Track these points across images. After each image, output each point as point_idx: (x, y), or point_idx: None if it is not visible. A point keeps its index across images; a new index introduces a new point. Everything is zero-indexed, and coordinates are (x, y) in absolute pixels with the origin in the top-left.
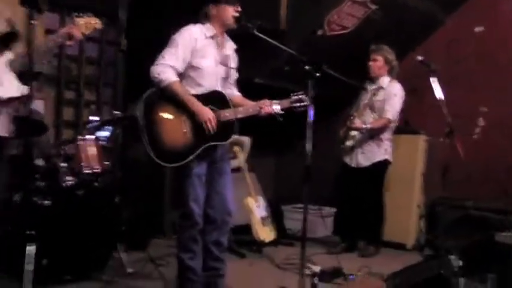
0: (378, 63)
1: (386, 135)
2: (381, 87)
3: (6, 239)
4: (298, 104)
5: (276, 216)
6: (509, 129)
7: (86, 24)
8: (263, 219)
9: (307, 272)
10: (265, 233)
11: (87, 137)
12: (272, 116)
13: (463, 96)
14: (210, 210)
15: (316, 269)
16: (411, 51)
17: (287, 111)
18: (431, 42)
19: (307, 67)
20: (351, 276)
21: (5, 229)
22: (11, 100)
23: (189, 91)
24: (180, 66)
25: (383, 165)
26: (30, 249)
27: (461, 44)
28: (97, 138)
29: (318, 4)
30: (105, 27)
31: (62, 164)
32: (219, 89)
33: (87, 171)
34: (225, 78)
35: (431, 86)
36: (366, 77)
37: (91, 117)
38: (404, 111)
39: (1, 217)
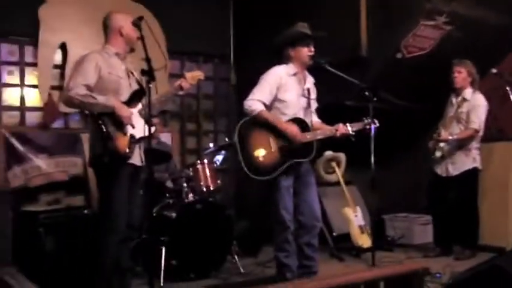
0: (462, 75)
1: (474, 145)
2: (465, 99)
3: (145, 244)
4: (368, 127)
5: (377, 225)
6: None
7: (193, 76)
8: (361, 227)
9: None
10: (363, 239)
11: (204, 161)
12: (347, 136)
13: None
14: (301, 217)
15: None
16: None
17: (359, 132)
18: None
19: (366, 93)
20: (437, 275)
21: (144, 236)
22: (141, 139)
23: None
24: (267, 100)
25: (472, 173)
26: (163, 250)
27: None
28: (211, 162)
29: (394, 30)
30: (217, 66)
31: (185, 184)
32: (301, 116)
33: (203, 189)
34: (306, 108)
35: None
36: (450, 91)
37: (209, 144)
38: (498, 119)
39: (142, 227)
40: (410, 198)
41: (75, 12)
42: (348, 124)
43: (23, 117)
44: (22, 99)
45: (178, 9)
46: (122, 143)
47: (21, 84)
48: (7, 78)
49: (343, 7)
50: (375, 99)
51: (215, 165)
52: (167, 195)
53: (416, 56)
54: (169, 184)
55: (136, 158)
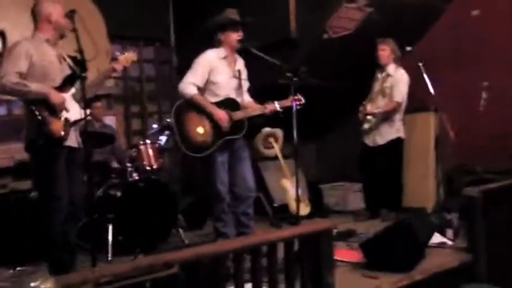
0: (385, 52)
1: (398, 116)
2: (389, 75)
3: (92, 223)
4: (295, 103)
5: (315, 194)
6: (508, 99)
7: (126, 58)
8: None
9: None
10: (301, 208)
11: (147, 141)
12: (276, 113)
13: (467, 75)
14: (236, 188)
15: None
16: (419, 40)
17: (287, 109)
18: (436, 29)
19: (288, 74)
20: (362, 235)
21: (91, 215)
22: (76, 122)
23: (209, 100)
24: (200, 82)
25: (396, 142)
26: (110, 228)
27: (462, 27)
28: (154, 142)
29: (321, 12)
30: (158, 49)
31: (129, 164)
32: (233, 97)
33: (147, 168)
34: (238, 88)
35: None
36: (375, 68)
37: (152, 125)
38: (417, 92)
39: (88, 207)
40: (346, 168)
41: (13, 0)
42: (276, 102)
43: None
44: None
45: None
46: (56, 126)
47: None
48: None
49: None
50: (295, 79)
51: (159, 145)
52: (112, 175)
53: (342, 36)
54: (114, 165)
55: (72, 140)
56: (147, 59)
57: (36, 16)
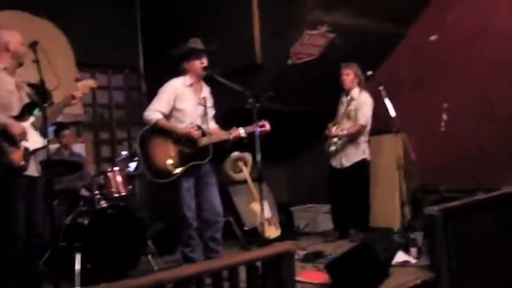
0: (349, 77)
1: (363, 139)
2: (353, 98)
3: (60, 251)
4: (259, 129)
5: (286, 216)
6: (468, 119)
7: (84, 85)
8: (268, 219)
9: (296, 256)
10: (270, 231)
11: (115, 168)
12: (240, 139)
13: (428, 97)
14: (203, 213)
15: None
16: (381, 64)
17: (251, 134)
18: (397, 53)
19: (249, 100)
20: (329, 256)
21: (59, 243)
22: (35, 150)
23: None
24: (165, 109)
25: (362, 164)
26: (78, 256)
27: (422, 51)
28: (122, 169)
29: (284, 38)
30: (127, 76)
31: (97, 192)
32: (199, 123)
33: (115, 195)
34: (203, 116)
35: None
36: (340, 91)
37: (121, 152)
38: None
39: (57, 235)
40: (316, 190)
41: None
42: (240, 128)
43: None
44: None
45: (86, 23)
46: (17, 156)
47: None
48: None
49: (239, 18)
50: (257, 104)
51: (128, 171)
52: (81, 203)
53: (306, 62)
54: (83, 192)
55: (32, 169)
56: (117, 86)
57: None
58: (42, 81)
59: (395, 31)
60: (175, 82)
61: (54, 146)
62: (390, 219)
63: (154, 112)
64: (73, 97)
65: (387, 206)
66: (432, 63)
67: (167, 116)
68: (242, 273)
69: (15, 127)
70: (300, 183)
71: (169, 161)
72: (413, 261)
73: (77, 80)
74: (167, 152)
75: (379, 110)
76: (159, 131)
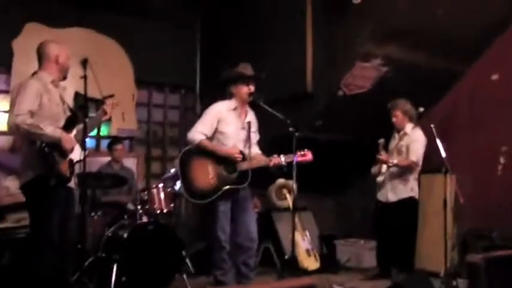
0: (398, 118)
1: (412, 176)
2: (406, 133)
3: (99, 261)
4: (296, 157)
5: (329, 249)
6: None
7: (112, 104)
8: (308, 250)
9: None
10: (309, 262)
11: (159, 185)
12: (281, 167)
13: (486, 138)
14: (237, 238)
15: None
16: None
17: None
18: (455, 91)
19: (290, 129)
20: None
21: (99, 254)
22: (78, 162)
23: None
24: (208, 132)
25: (409, 202)
26: (114, 268)
27: (481, 91)
28: (167, 186)
29: (336, 69)
30: (184, 96)
31: (139, 207)
32: (241, 148)
33: (157, 212)
34: (246, 140)
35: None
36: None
37: (169, 170)
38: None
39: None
40: (363, 225)
41: None
42: (281, 155)
43: None
44: None
45: (147, 43)
46: (64, 167)
47: None
48: None
49: (292, 46)
50: (297, 133)
51: (173, 189)
52: (125, 216)
53: (357, 94)
54: (130, 206)
55: (71, 181)
56: (172, 105)
57: (42, 56)
58: (85, 98)
59: (453, 68)
60: (219, 105)
61: (105, 159)
62: (437, 262)
63: (197, 133)
64: (105, 112)
65: (435, 248)
66: (491, 103)
67: (209, 138)
68: None
69: (68, 142)
70: (347, 216)
71: (207, 182)
72: None
73: (108, 97)
74: (206, 174)
75: (431, 148)
76: (201, 152)
